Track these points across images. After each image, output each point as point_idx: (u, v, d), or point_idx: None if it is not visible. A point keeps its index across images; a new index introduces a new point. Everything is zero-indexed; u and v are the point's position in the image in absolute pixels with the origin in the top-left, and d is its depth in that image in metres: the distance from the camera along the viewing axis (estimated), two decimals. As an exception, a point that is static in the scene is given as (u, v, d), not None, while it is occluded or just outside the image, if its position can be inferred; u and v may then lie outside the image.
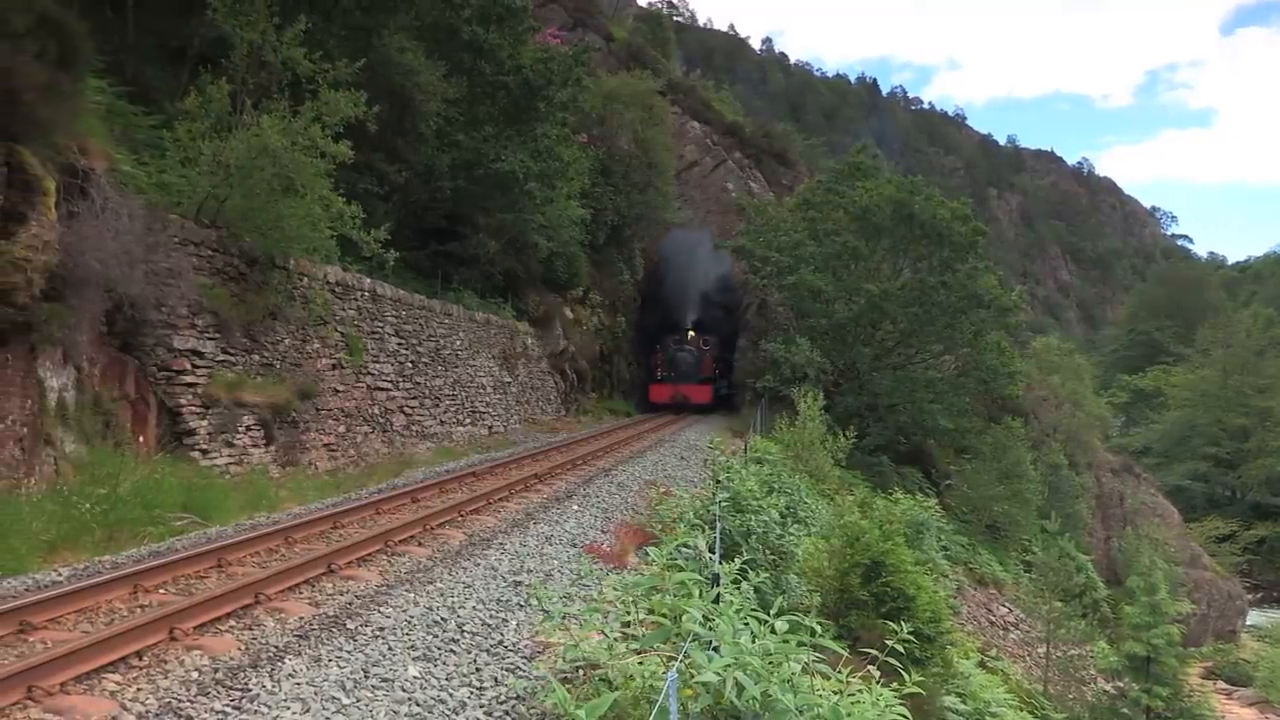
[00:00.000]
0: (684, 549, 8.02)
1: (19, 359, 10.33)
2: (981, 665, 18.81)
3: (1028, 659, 26.35)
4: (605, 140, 41.08)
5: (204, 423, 13.51)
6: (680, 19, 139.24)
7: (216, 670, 6.03)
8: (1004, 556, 34.15)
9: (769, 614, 5.61)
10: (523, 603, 8.14)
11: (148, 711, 5.32)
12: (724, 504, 12.00)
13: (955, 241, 35.03)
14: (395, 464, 18.13)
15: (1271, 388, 63.47)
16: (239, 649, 6.50)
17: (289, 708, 5.45)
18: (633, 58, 52.68)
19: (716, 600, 6.30)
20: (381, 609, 7.69)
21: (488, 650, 6.82)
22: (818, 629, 5.71)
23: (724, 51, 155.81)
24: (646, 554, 9.57)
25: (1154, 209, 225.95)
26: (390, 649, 6.65)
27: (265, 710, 5.41)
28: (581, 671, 6.08)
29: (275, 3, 16.18)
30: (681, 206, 48.15)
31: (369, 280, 19.73)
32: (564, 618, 6.89)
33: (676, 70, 62.80)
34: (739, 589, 7.60)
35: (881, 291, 34.87)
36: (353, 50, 17.83)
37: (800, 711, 4.80)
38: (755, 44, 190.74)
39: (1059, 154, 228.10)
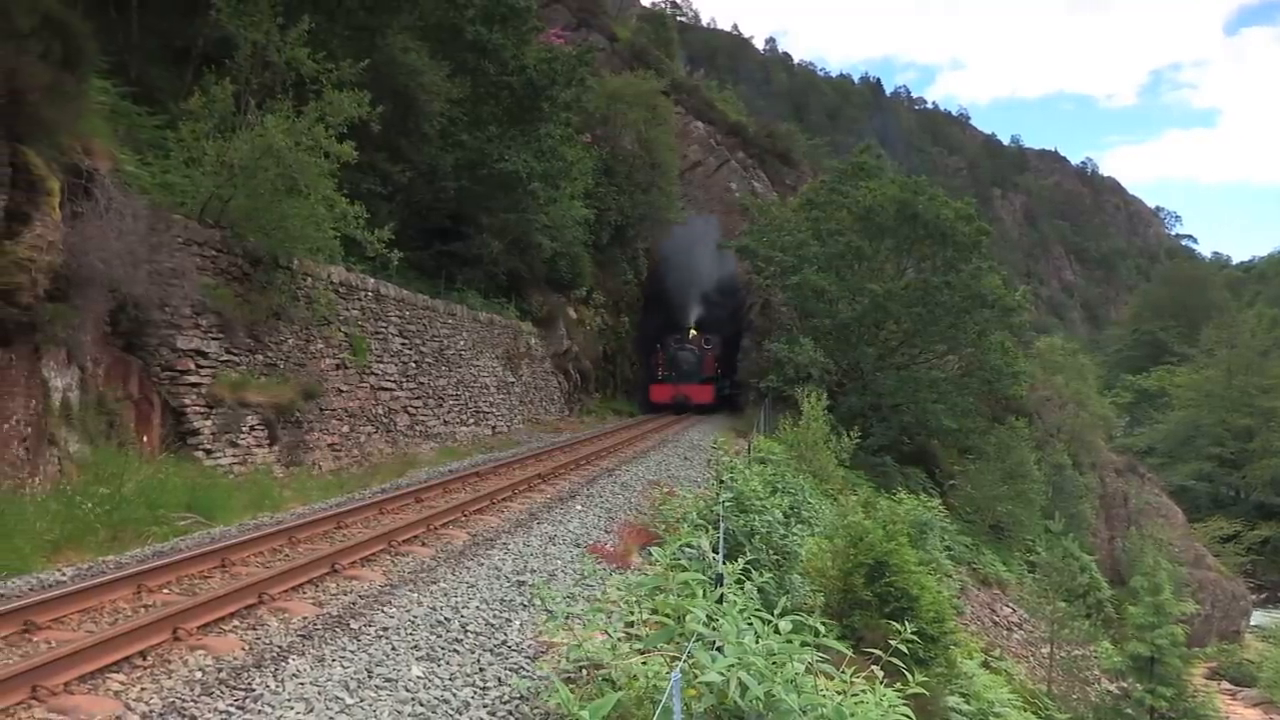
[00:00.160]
0: (687, 549, 8.01)
1: (23, 359, 10.35)
2: (985, 666, 18.78)
3: (1031, 659, 26.32)
4: (609, 140, 41.09)
5: (208, 423, 13.51)
6: (684, 19, 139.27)
7: (220, 670, 6.03)
8: (1008, 557, 34.13)
9: (773, 614, 5.60)
10: (526, 603, 8.14)
11: (151, 711, 5.32)
12: (727, 504, 11.98)
13: (959, 241, 35.01)
14: (399, 464, 18.14)
15: (1276, 388, 63.39)
16: (243, 649, 6.50)
17: (292, 708, 5.45)
18: (636, 58, 52.68)
19: (720, 600, 6.29)
20: (385, 609, 7.69)
21: (491, 650, 6.81)
22: (821, 629, 5.69)
23: (727, 51, 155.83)
24: (650, 554, 9.55)
25: (1158, 209, 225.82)
26: (394, 649, 6.65)
27: (269, 710, 5.41)
28: (585, 671, 6.07)
29: (279, 3, 16.20)
30: (685, 206, 48.03)
31: (373, 280, 19.73)
32: (567, 618, 6.88)
33: (680, 70, 62.79)
34: (742, 589, 7.59)
35: (885, 291, 34.86)
36: (356, 50, 17.86)
37: (804, 712, 4.79)
38: (759, 44, 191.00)
39: (1063, 154, 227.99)
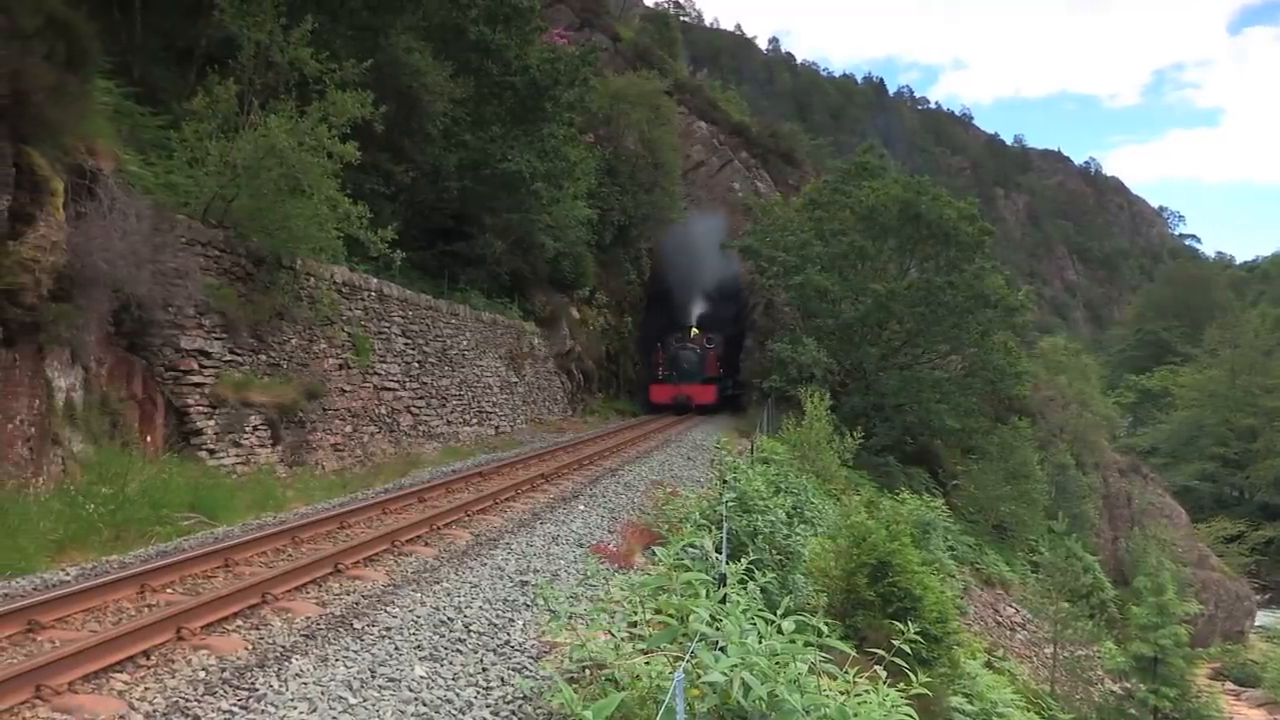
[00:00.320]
0: (691, 549, 8.01)
1: (27, 359, 10.36)
2: (988, 666, 18.79)
3: (1035, 659, 26.32)
4: (612, 140, 41.08)
5: (211, 423, 13.53)
6: (687, 19, 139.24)
7: (224, 670, 6.03)
8: (1011, 557, 34.11)
9: (776, 614, 5.60)
10: (529, 603, 8.14)
11: (155, 711, 5.33)
12: (730, 504, 11.99)
13: (962, 241, 34.99)
14: (402, 464, 18.15)
15: (1279, 388, 63.27)
16: (246, 649, 6.51)
17: (296, 707, 5.46)
18: (639, 58, 52.66)
19: (723, 600, 6.29)
20: (388, 609, 7.69)
21: (494, 650, 6.82)
22: (824, 629, 5.69)
23: (730, 51, 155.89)
24: (653, 554, 9.55)
25: (1161, 208, 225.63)
26: (397, 649, 6.65)
27: (272, 710, 5.42)
28: (588, 671, 6.08)
29: (282, 3, 16.20)
30: (688, 206, 47.92)
31: (376, 280, 19.75)
32: (571, 617, 6.88)
33: (683, 70, 62.80)
34: (745, 589, 7.59)
35: (888, 291, 34.83)
36: (360, 50, 17.86)
37: (807, 711, 4.79)
38: (762, 44, 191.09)
39: (1066, 154, 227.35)
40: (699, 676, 4.90)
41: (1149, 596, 23.25)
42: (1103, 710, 23.30)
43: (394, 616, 7.47)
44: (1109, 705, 23.42)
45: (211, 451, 13.44)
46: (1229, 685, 35.01)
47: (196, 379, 13.44)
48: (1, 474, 9.72)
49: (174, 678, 5.88)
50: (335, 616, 7.40)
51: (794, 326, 37.32)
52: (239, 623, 7.14)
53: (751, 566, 7.95)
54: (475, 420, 24.52)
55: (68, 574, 8.47)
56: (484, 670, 6.35)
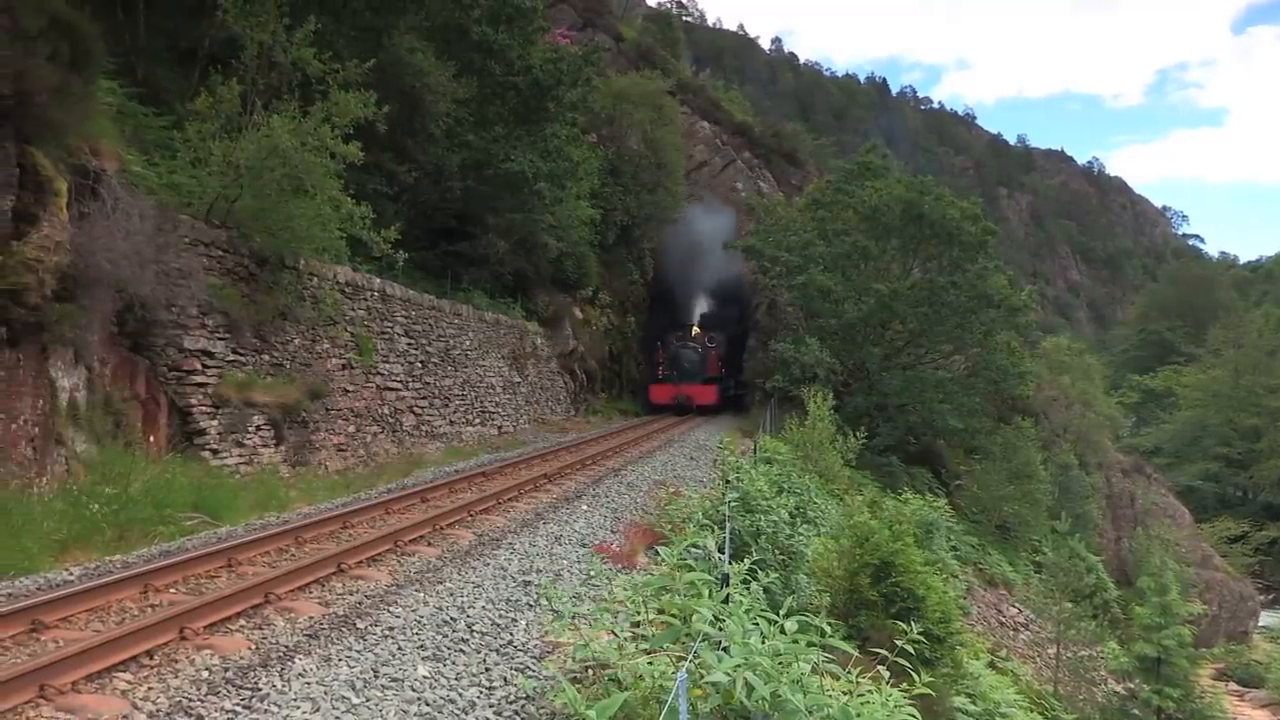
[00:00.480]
0: (693, 549, 8.01)
1: (31, 359, 10.38)
2: (991, 666, 18.77)
3: (1038, 660, 26.28)
4: (615, 140, 41.08)
5: (214, 422, 13.54)
6: (689, 19, 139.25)
7: (227, 669, 6.04)
8: (1014, 557, 34.09)
9: (779, 614, 5.59)
10: (532, 603, 8.14)
11: (159, 710, 5.34)
12: (733, 504, 11.99)
13: (965, 241, 34.97)
14: (405, 464, 18.16)
15: (1283, 388, 63.22)
16: (249, 648, 6.52)
17: (299, 707, 5.46)
18: (642, 58, 52.65)
19: (726, 600, 6.29)
20: (391, 609, 7.70)
21: (497, 650, 6.82)
22: (827, 629, 5.69)
23: (733, 51, 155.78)
24: (656, 554, 9.56)
25: (1165, 208, 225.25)
26: (400, 649, 6.65)
27: (275, 709, 5.43)
28: (591, 671, 6.08)
29: (285, 3, 16.22)
30: (691, 207, 47.83)
31: (379, 280, 19.76)
32: (574, 617, 6.87)
33: (686, 70, 62.75)
34: (748, 589, 7.59)
35: (891, 291, 34.82)
36: (363, 51, 17.87)
37: (810, 712, 4.79)
38: (764, 44, 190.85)
39: (1069, 153, 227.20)
40: (702, 676, 4.90)
41: (1152, 597, 23.22)
42: (1106, 711, 23.27)
43: (397, 616, 7.48)
44: (1112, 706, 23.39)
45: (215, 451, 13.45)
46: (1233, 686, 34.96)
47: (200, 379, 13.46)
48: (5, 474, 9.73)
49: (177, 677, 5.89)
50: (338, 616, 7.41)
51: (797, 326, 37.29)
52: (242, 622, 7.15)
53: (754, 566, 7.95)
54: (478, 420, 24.53)
55: (71, 574, 8.48)
56: (487, 670, 6.35)
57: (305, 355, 16.43)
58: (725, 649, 5.21)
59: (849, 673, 5.54)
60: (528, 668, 6.46)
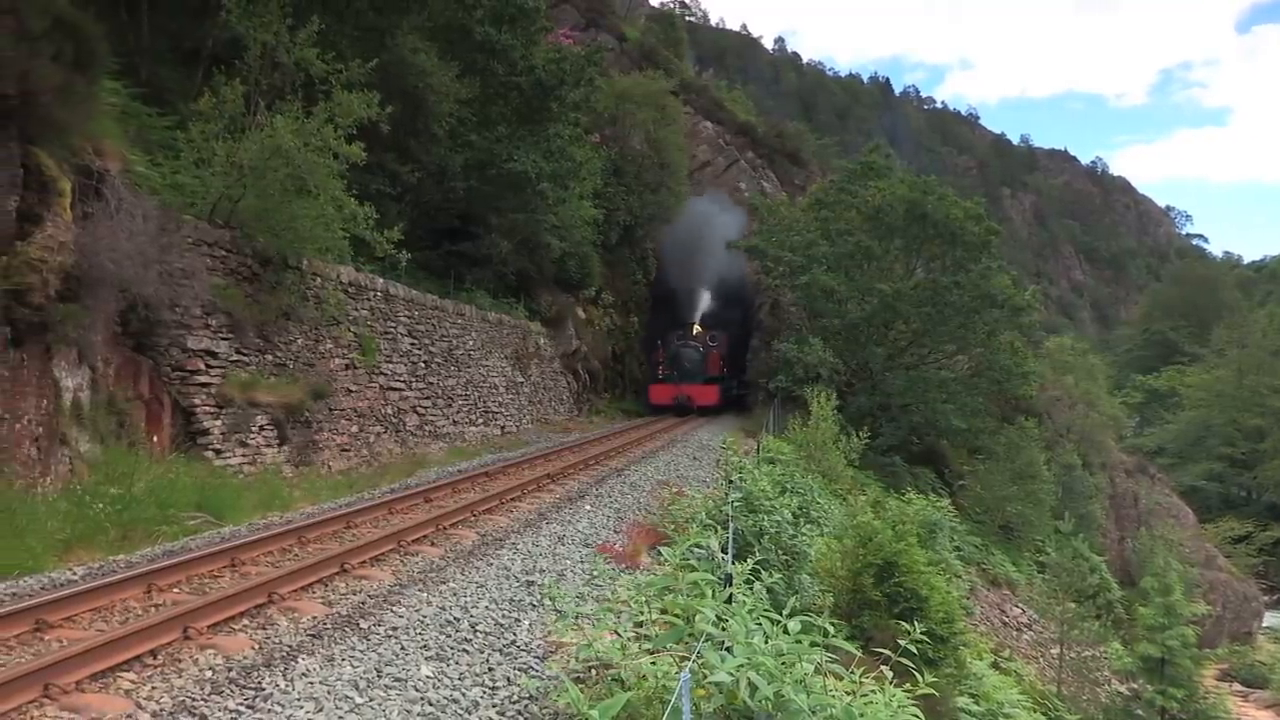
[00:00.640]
0: (697, 549, 8.01)
1: (35, 359, 10.39)
2: (995, 666, 18.75)
3: (1041, 660, 26.26)
4: (618, 140, 41.09)
5: (218, 422, 13.56)
6: (692, 19, 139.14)
7: (230, 669, 6.04)
8: (1017, 557, 34.06)
9: (782, 614, 5.60)
10: (535, 602, 8.14)
11: (162, 710, 5.34)
12: (737, 504, 11.99)
13: (968, 241, 34.94)
14: (408, 464, 18.17)
15: (1287, 388, 63.11)
16: (253, 648, 6.52)
17: (302, 707, 5.47)
18: (645, 58, 52.65)
19: (729, 600, 6.29)
20: (394, 608, 7.70)
21: (500, 650, 6.82)
22: (830, 629, 5.69)
23: (736, 51, 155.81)
24: (659, 554, 9.56)
25: (1168, 208, 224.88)
26: (403, 648, 6.66)
27: (279, 709, 5.43)
28: (594, 671, 6.07)
29: (289, 4, 16.22)
30: (693, 199, 47.46)
31: (382, 280, 19.77)
32: (577, 617, 6.89)
33: (689, 70, 62.74)
34: (752, 589, 7.59)
35: (894, 291, 34.79)
36: (365, 51, 17.87)
37: (813, 712, 4.79)
38: (768, 43, 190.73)
39: (1073, 153, 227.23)
40: (705, 676, 4.90)
41: (1156, 597, 23.20)
42: (1110, 711, 23.25)
43: (400, 616, 7.48)
44: (1116, 706, 23.38)
45: (218, 451, 13.47)
46: (1237, 686, 34.91)
47: (203, 379, 13.47)
48: (9, 474, 9.74)
49: (181, 677, 5.89)
50: (342, 616, 7.41)
51: (800, 326, 37.27)
52: (246, 622, 7.16)
53: (758, 566, 7.95)
54: (481, 420, 24.54)
55: (75, 573, 8.49)
56: (490, 670, 6.35)
57: (308, 355, 16.44)
58: (728, 649, 5.22)
59: (852, 673, 5.53)
60: (531, 668, 6.46)
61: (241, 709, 5.40)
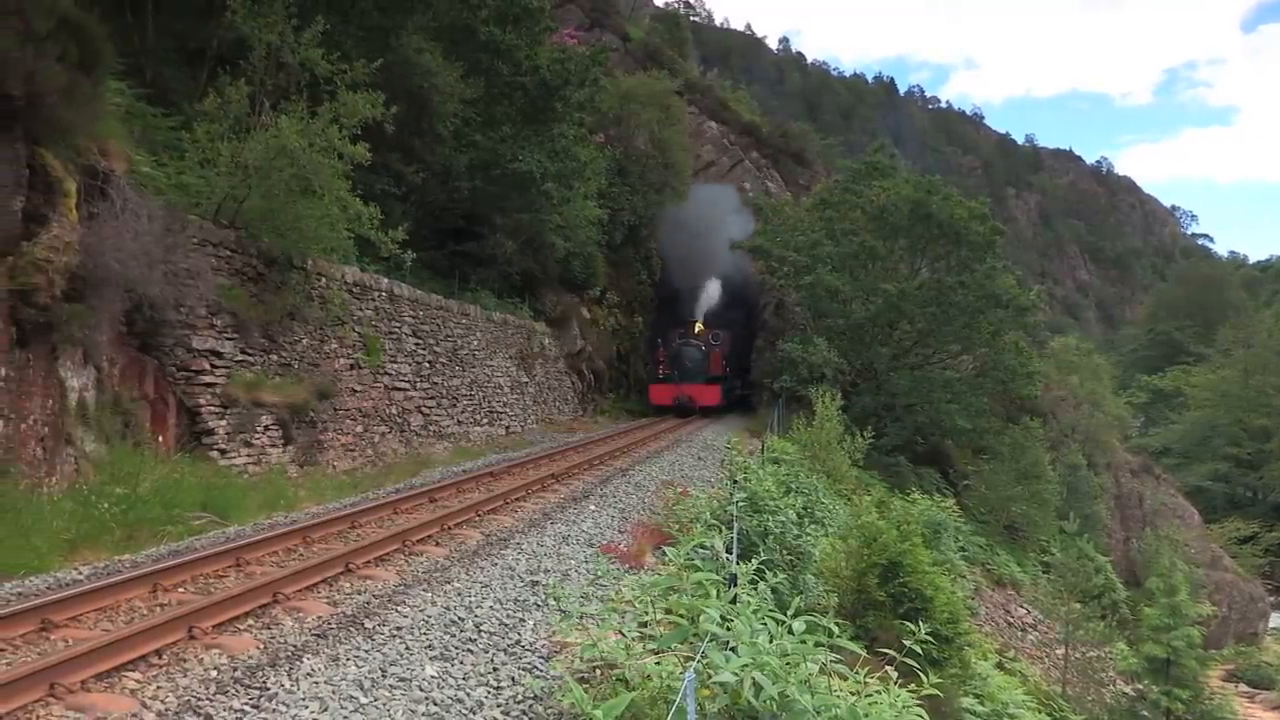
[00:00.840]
0: (701, 549, 8.01)
1: (40, 359, 10.41)
2: (1000, 666, 18.74)
3: (1046, 660, 26.21)
4: (622, 140, 41.08)
5: (222, 422, 13.57)
6: (697, 19, 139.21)
7: (235, 669, 6.05)
8: (1022, 557, 34.01)
9: (786, 614, 5.59)
10: (540, 602, 8.14)
11: (168, 709, 5.35)
12: (741, 504, 11.98)
13: (973, 241, 34.89)
14: (412, 464, 18.18)
15: (1293, 388, 62.93)
16: (257, 648, 6.53)
17: (307, 706, 5.47)
18: (649, 58, 52.66)
19: (734, 600, 6.29)
20: (399, 608, 7.71)
21: (505, 650, 6.82)
22: (835, 629, 5.69)
23: (741, 51, 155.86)
24: (664, 554, 9.56)
25: (1174, 208, 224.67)
26: (408, 648, 6.66)
27: (283, 709, 5.43)
28: (599, 671, 6.07)
29: (293, 4, 16.24)
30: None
31: (386, 280, 19.79)
32: (581, 617, 6.89)
33: (693, 70, 62.77)
34: (756, 589, 7.59)
35: (899, 291, 34.75)
36: (370, 51, 17.88)
37: (818, 712, 4.79)
38: (772, 43, 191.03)
39: (1077, 153, 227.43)
40: (710, 676, 4.90)
41: (1161, 597, 23.16)
42: (1115, 712, 23.21)
43: (405, 616, 7.48)
44: (1121, 707, 23.34)
45: (223, 451, 13.49)
46: (1243, 687, 34.80)
47: (208, 379, 13.49)
48: (15, 473, 9.76)
49: (186, 676, 5.90)
50: (346, 616, 7.41)
51: (805, 326, 37.22)
52: (250, 622, 7.17)
53: (762, 567, 7.96)
54: (486, 420, 24.54)
55: (80, 573, 8.50)
56: (495, 670, 6.36)
57: (313, 355, 16.46)
58: (733, 649, 5.22)
59: (857, 673, 5.53)
60: (535, 667, 6.46)
61: (246, 709, 5.40)
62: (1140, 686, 23.46)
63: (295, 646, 6.57)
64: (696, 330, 41.77)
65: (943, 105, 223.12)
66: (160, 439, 12.60)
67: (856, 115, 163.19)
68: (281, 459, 14.73)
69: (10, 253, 9.87)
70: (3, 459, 9.65)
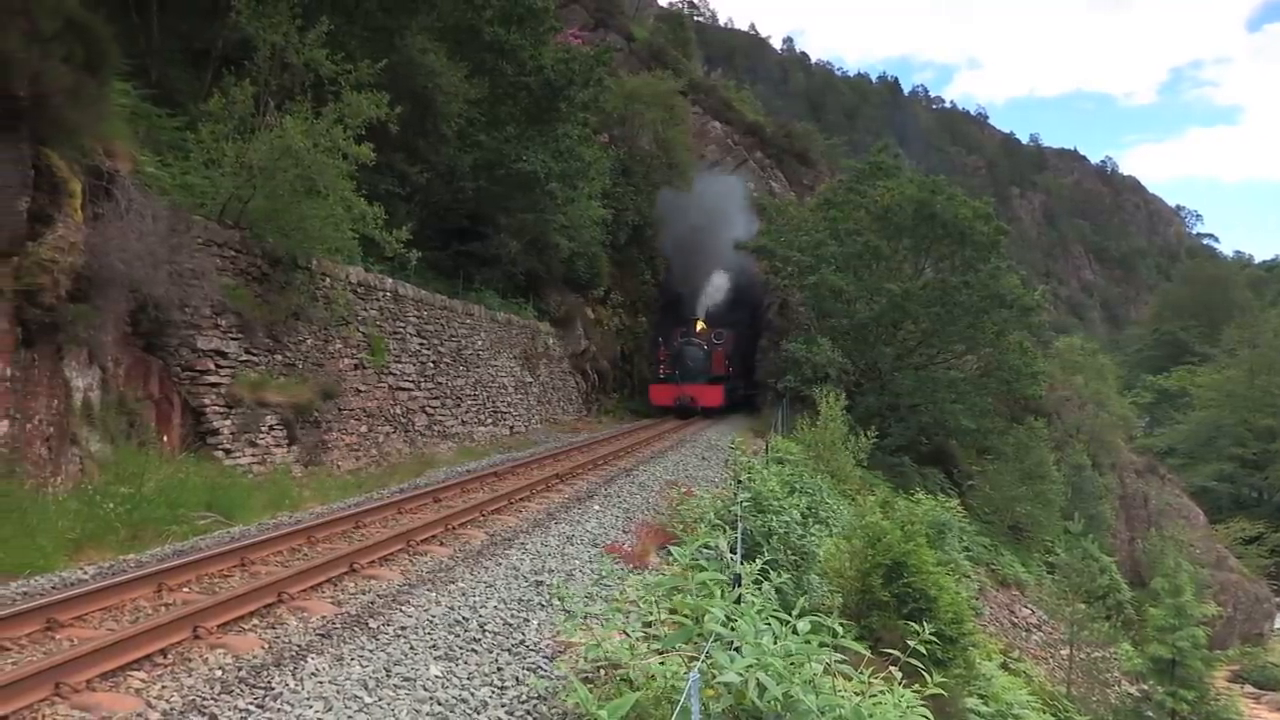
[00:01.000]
0: (705, 549, 8.00)
1: (46, 359, 10.43)
2: (1004, 667, 18.71)
3: (1051, 661, 26.18)
4: (626, 140, 41.10)
5: (227, 422, 13.59)
6: (701, 19, 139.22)
7: (240, 669, 6.05)
8: (1027, 558, 33.97)
9: (791, 614, 5.59)
10: (544, 602, 8.14)
11: (172, 709, 5.36)
12: (745, 504, 11.98)
13: (977, 241, 34.87)
14: (417, 464, 18.20)
15: (1299, 388, 62.77)
16: (262, 647, 6.53)
17: (311, 706, 5.47)
18: (654, 58, 52.67)
19: (738, 601, 6.28)
20: (403, 608, 7.71)
21: (509, 650, 6.82)
22: (839, 630, 5.68)
23: (745, 51, 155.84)
24: (668, 554, 9.55)
25: (1179, 207, 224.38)
26: (412, 648, 6.66)
27: (288, 708, 5.44)
28: (603, 671, 6.07)
29: (298, 4, 16.26)
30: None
31: (391, 280, 19.80)
32: (585, 617, 6.89)
33: (697, 70, 62.77)
34: (760, 589, 7.58)
35: (903, 291, 34.74)
36: (375, 51, 17.90)
37: (822, 712, 4.78)
38: (776, 43, 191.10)
39: (1082, 152, 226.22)
40: (714, 677, 4.90)
41: (1166, 598, 23.09)
42: (1119, 713, 23.15)
43: (409, 616, 7.49)
44: (1126, 707, 23.27)
45: (228, 451, 13.50)
46: (1248, 688, 34.73)
47: (213, 379, 13.51)
48: (21, 473, 9.78)
49: (191, 676, 5.90)
50: (351, 616, 7.42)
51: (809, 326, 37.21)
52: (255, 622, 7.17)
53: (766, 567, 7.94)
54: (490, 420, 24.56)
55: (86, 573, 8.52)
56: (499, 670, 6.36)
57: (318, 355, 16.48)
58: (737, 649, 5.21)
59: (861, 673, 5.52)
60: (540, 667, 6.46)
61: (251, 708, 5.41)
62: (1145, 687, 23.39)
63: (300, 646, 6.58)
64: (699, 329, 40.96)
65: (947, 105, 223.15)
66: (165, 439, 12.63)
67: (860, 115, 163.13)
68: (286, 459, 14.74)
69: (16, 253, 9.89)
70: (8, 459, 9.67)
